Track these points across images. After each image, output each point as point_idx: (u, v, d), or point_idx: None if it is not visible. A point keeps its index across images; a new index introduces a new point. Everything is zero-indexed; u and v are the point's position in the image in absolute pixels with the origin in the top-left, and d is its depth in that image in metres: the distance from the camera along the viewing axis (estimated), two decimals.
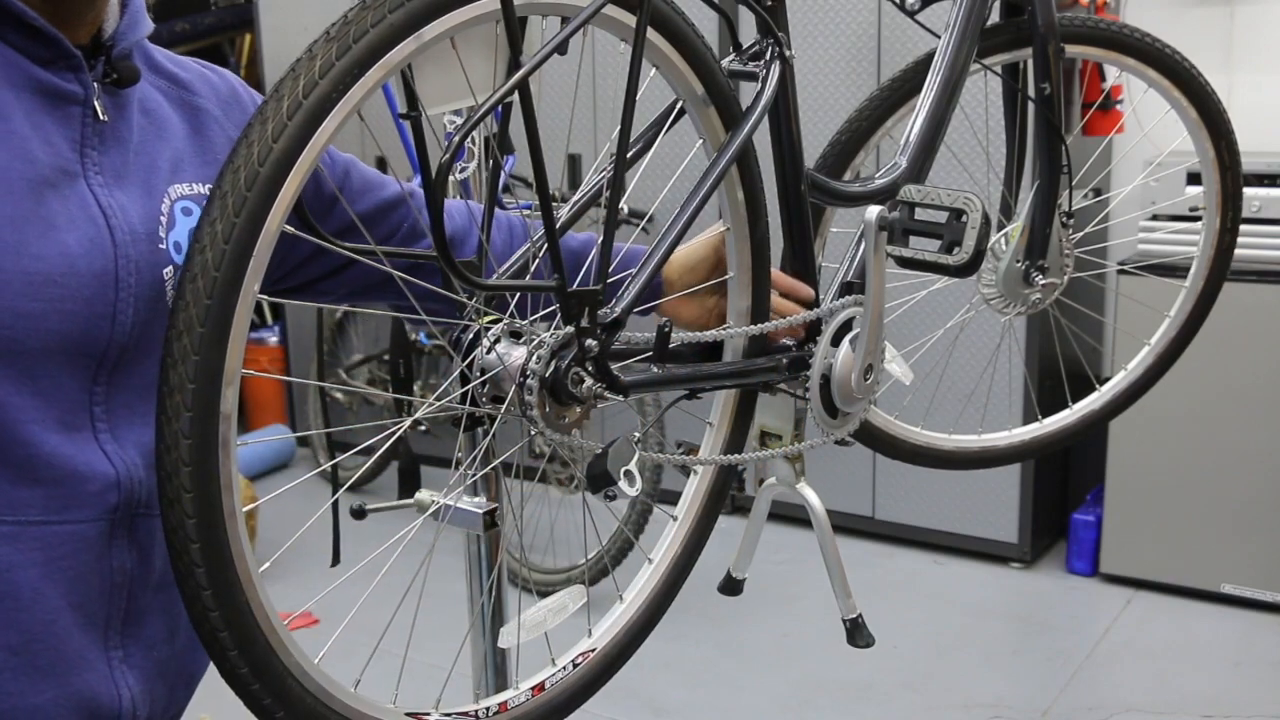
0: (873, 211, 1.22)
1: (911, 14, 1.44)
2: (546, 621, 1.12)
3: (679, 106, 1.14)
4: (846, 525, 3.90)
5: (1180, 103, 1.58)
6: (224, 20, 5.24)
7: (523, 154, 3.56)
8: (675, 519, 1.29)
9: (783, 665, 3.22)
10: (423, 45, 0.85)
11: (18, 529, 1.00)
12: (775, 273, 1.27)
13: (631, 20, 0.99)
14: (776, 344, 1.28)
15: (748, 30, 1.21)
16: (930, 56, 1.41)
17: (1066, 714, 2.95)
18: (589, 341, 1.00)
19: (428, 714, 1.03)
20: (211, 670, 0.91)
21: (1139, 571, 3.57)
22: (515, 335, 1.02)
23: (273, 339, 5.09)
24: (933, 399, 1.70)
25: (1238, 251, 1.70)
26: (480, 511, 1.21)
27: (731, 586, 1.39)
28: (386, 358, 4.37)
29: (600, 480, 1.03)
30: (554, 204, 0.97)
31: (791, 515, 2.69)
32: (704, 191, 1.09)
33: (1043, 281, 1.47)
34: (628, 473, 1.03)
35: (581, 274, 1.09)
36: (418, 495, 1.17)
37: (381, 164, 4.15)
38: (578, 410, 1.02)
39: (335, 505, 1.24)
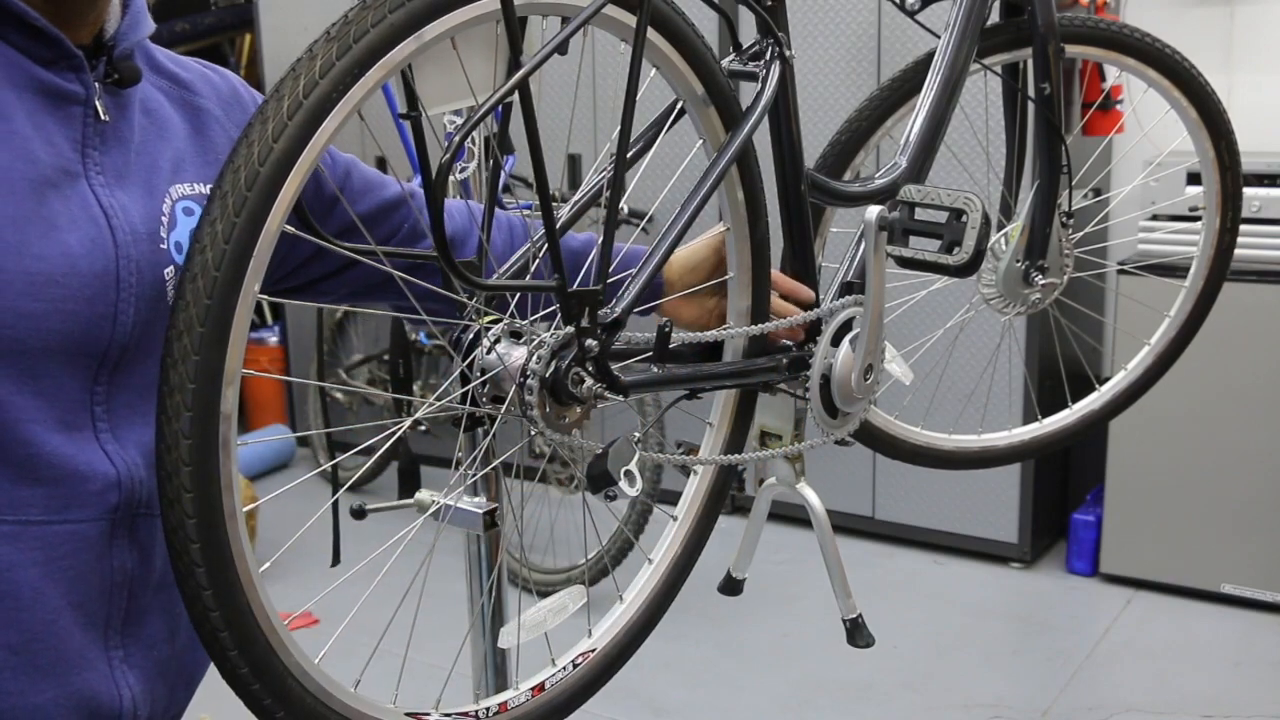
0: (873, 211, 1.22)
1: (911, 14, 1.44)
2: (546, 622, 1.12)
3: (679, 106, 1.14)
4: (846, 525, 3.90)
5: (1180, 103, 1.58)
6: (224, 20, 5.24)
7: (523, 154, 3.56)
8: (675, 519, 1.29)
9: (783, 665, 3.22)
10: (423, 45, 0.85)
11: (18, 528, 1.00)
12: (775, 273, 1.27)
13: (631, 20, 0.99)
14: (776, 344, 1.28)
15: (748, 30, 1.21)
16: (930, 56, 1.41)
17: (1066, 714, 2.95)
18: (589, 342, 1.00)
19: (428, 714, 1.03)
20: (212, 670, 0.91)
21: (1139, 571, 3.57)
22: (515, 335, 1.02)
23: (273, 339, 5.09)
24: (933, 399, 1.70)
25: (1238, 251, 1.70)
26: (480, 511, 1.21)
27: (731, 586, 1.39)
28: (386, 358, 4.37)
29: (600, 480, 1.03)
30: (554, 204, 0.97)
31: (791, 515, 2.69)
32: (704, 191, 1.09)
33: (1043, 281, 1.48)
34: (628, 473, 1.03)
35: (582, 274, 1.09)
36: (418, 495, 1.17)
37: (381, 164, 4.15)
38: (578, 410, 1.02)
39: (335, 505, 1.24)
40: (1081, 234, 1.54)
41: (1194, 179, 2.98)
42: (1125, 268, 2.40)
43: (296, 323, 4.95)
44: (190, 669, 1.18)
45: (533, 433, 1.01)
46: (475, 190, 2.48)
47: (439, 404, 1.03)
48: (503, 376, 1.01)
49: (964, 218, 1.24)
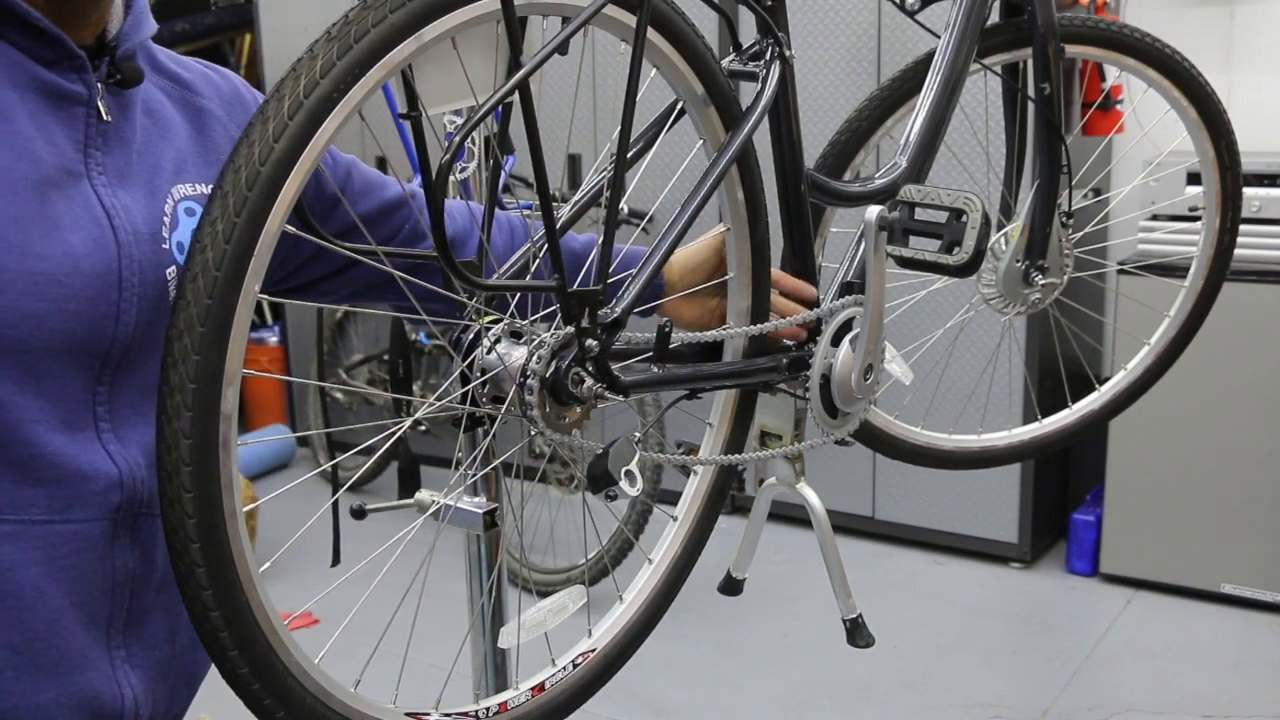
0: (873, 211, 1.22)
1: (911, 14, 1.44)
2: (546, 622, 1.12)
3: (679, 106, 1.14)
4: (846, 525, 3.90)
5: (1180, 103, 1.58)
6: (224, 20, 5.24)
7: (523, 154, 3.56)
8: (675, 519, 1.29)
9: (783, 665, 3.22)
10: (423, 45, 0.86)
11: (20, 528, 1.00)
12: (776, 273, 1.27)
13: (631, 20, 0.99)
14: (777, 344, 1.28)
15: (748, 30, 1.21)
16: (930, 56, 1.41)
17: (1066, 714, 2.95)
18: (589, 342, 1.00)
19: (428, 714, 1.03)
20: (212, 670, 0.91)
21: (1139, 571, 3.57)
22: (516, 335, 1.02)
23: (273, 339, 5.09)
24: (933, 399, 1.70)
25: (1238, 251, 1.70)
26: (480, 511, 1.21)
27: (731, 586, 1.39)
28: (386, 358, 4.37)
29: (601, 480, 1.03)
30: (554, 204, 0.97)
31: (791, 515, 2.69)
32: (704, 192, 1.09)
33: (1042, 281, 1.48)
34: (628, 473, 1.04)
35: (582, 274, 1.09)
36: (418, 495, 1.17)
37: (382, 164, 4.15)
38: (578, 410, 1.02)
39: (335, 505, 1.24)
40: (1081, 234, 1.54)
41: (1194, 179, 2.99)
42: (1125, 268, 2.40)
43: (296, 323, 4.95)
44: (191, 669, 1.18)
45: (533, 433, 1.01)
46: (475, 190, 2.48)
47: (439, 404, 1.04)
48: (503, 376, 1.01)
49: (964, 218, 1.24)
